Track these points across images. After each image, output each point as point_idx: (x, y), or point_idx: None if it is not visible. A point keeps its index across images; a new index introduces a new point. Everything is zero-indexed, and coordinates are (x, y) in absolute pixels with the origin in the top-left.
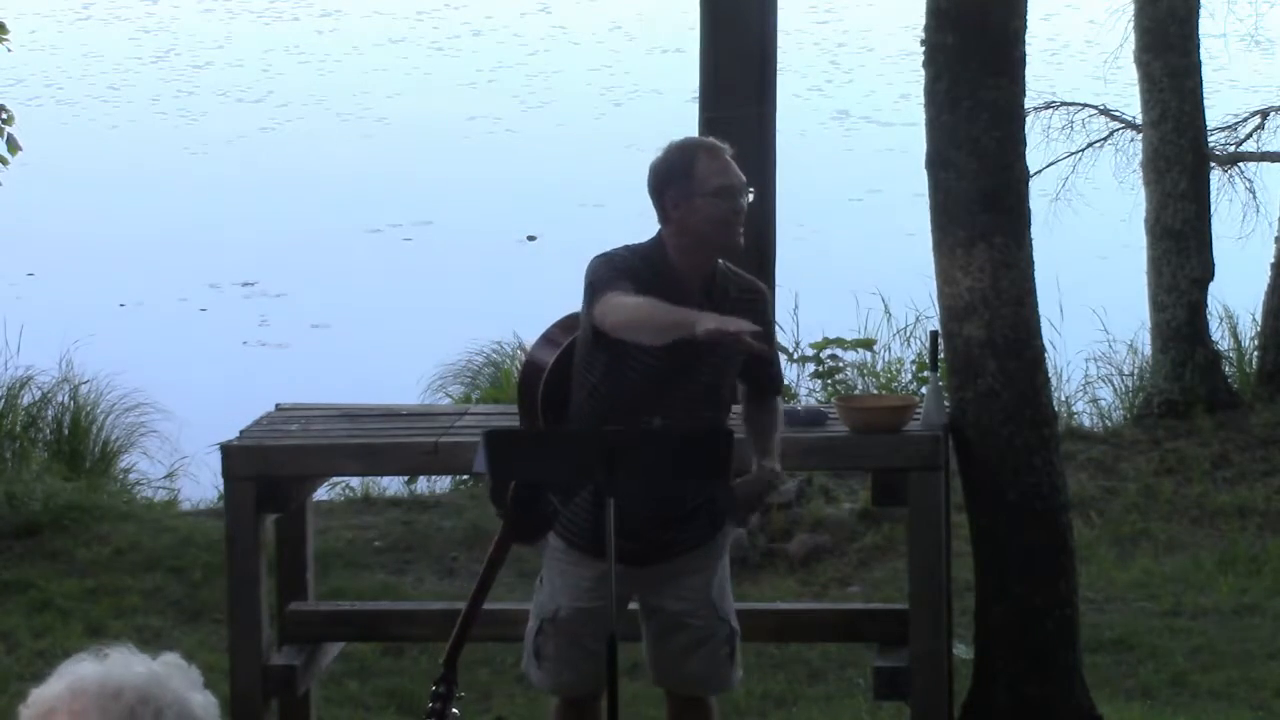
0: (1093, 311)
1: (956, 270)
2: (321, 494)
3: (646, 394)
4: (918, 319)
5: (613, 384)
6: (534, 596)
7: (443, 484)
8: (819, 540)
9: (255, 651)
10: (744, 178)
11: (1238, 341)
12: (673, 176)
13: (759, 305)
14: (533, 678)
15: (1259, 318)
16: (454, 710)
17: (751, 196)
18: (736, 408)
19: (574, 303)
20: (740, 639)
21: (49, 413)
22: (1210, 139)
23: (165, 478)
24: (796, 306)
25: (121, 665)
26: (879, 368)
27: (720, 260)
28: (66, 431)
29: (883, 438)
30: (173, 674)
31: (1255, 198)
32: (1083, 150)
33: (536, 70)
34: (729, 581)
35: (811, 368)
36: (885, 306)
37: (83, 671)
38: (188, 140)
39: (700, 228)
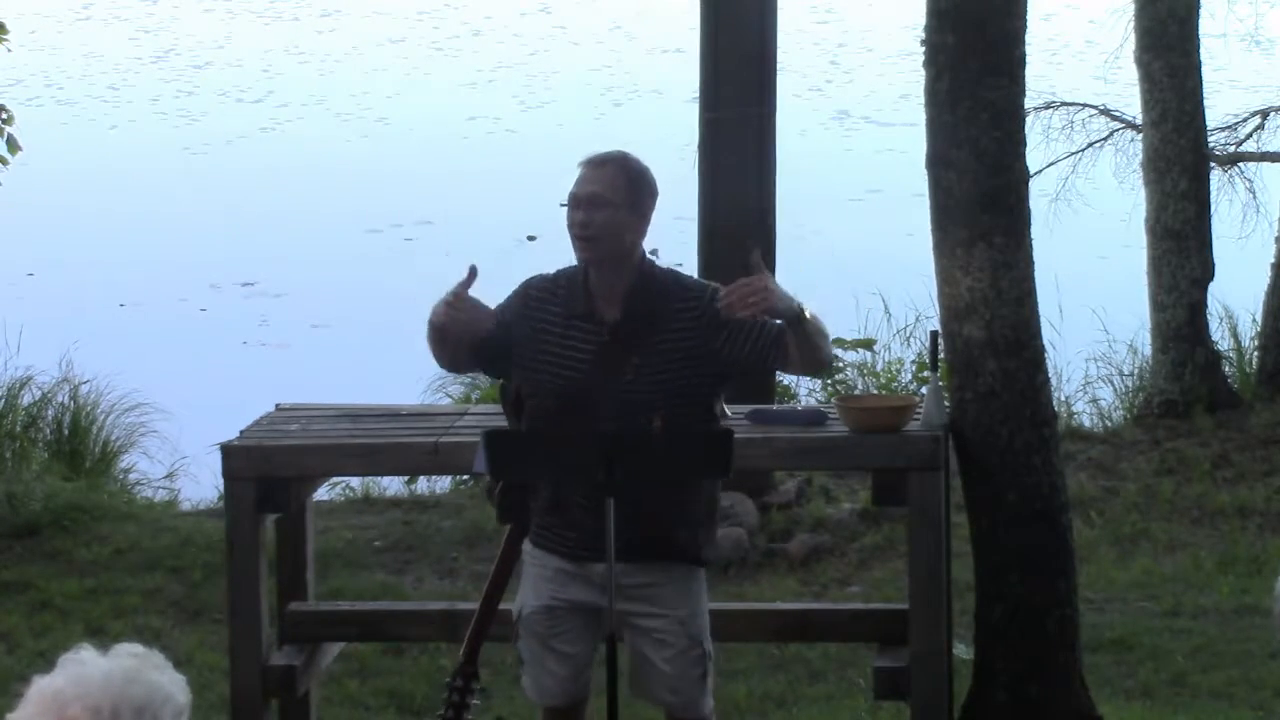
0: (1093, 311)
1: (956, 270)
2: (321, 494)
3: (566, 405)
4: (918, 319)
5: (535, 402)
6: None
7: (443, 484)
8: (819, 540)
9: (255, 651)
10: (596, 191)
11: (1238, 341)
12: None
13: (699, 309)
14: (524, 686)
15: (1259, 318)
16: (475, 701)
17: (639, 205)
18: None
19: None
20: (710, 661)
21: (49, 413)
22: (1210, 139)
23: (165, 478)
24: None
25: (93, 668)
26: (879, 368)
27: (659, 273)
28: (66, 431)
29: (883, 438)
30: (142, 664)
31: (1255, 198)
32: (1083, 150)
33: (536, 70)
34: (704, 606)
35: None
36: (885, 306)
37: (56, 686)
38: (188, 140)
39: None
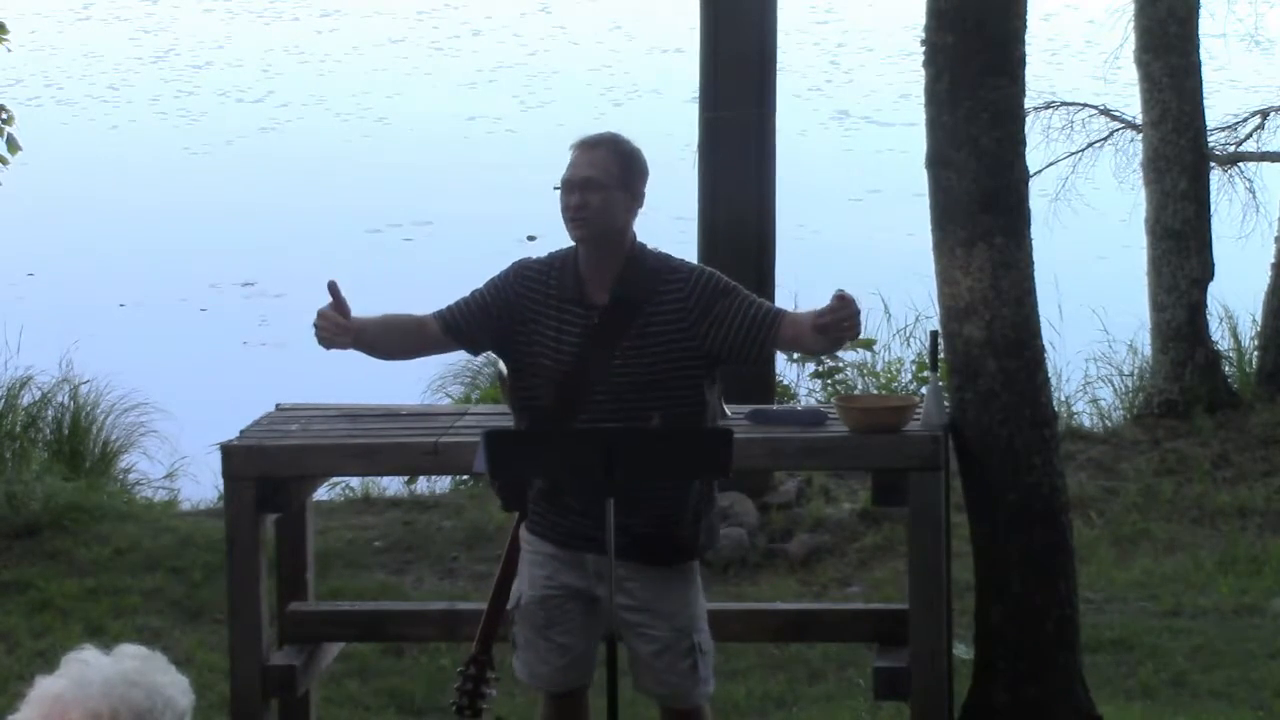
0: (1093, 311)
1: (956, 270)
2: (321, 494)
3: (560, 388)
4: (918, 319)
5: (524, 382)
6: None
7: (443, 484)
8: (819, 540)
9: (255, 651)
10: (590, 176)
11: (1238, 341)
12: None
13: (687, 293)
14: (515, 669)
15: (1259, 318)
16: (491, 691)
17: (630, 190)
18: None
19: None
20: (703, 653)
21: (49, 413)
22: (1210, 139)
23: (165, 478)
24: (796, 306)
25: (94, 670)
26: (879, 368)
27: (649, 255)
28: (66, 431)
29: (883, 438)
30: (144, 666)
31: (1255, 198)
32: (1083, 150)
33: (536, 70)
34: (695, 595)
35: (811, 367)
36: (885, 306)
37: (56, 690)
38: (188, 140)
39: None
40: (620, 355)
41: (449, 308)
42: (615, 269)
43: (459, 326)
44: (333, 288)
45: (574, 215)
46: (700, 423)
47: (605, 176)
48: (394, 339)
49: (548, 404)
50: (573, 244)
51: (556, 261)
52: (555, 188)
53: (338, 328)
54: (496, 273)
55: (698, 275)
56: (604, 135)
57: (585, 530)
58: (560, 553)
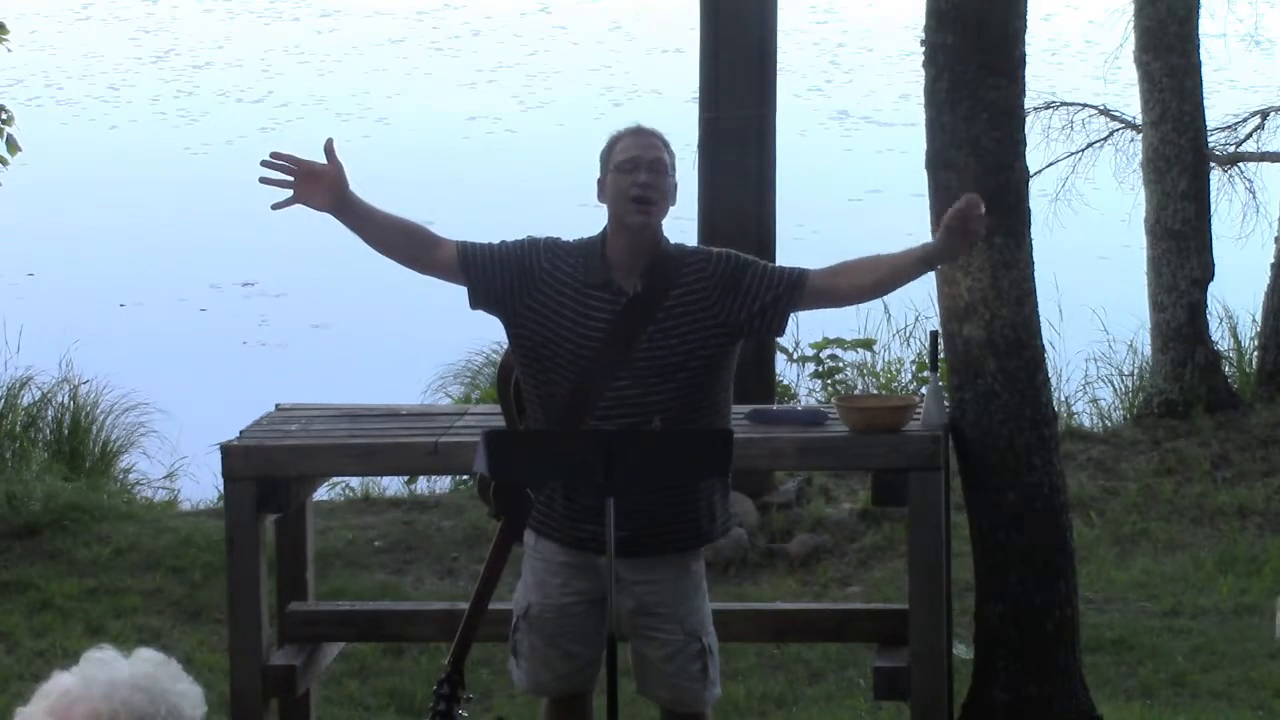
0: (1093, 311)
1: (956, 270)
2: (321, 494)
3: (582, 373)
4: (918, 319)
5: (541, 365)
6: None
7: (443, 484)
8: (819, 540)
9: (255, 651)
10: (660, 157)
11: (1238, 341)
12: (602, 159)
13: (709, 273)
14: (513, 676)
15: (1259, 318)
16: (462, 713)
17: (675, 181)
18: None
19: None
20: (712, 655)
21: (49, 413)
22: (1210, 139)
23: (165, 478)
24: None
25: (104, 670)
26: (879, 368)
27: (670, 245)
28: (66, 431)
29: (883, 438)
30: (155, 672)
31: (1255, 198)
32: (1083, 150)
33: (536, 70)
34: (703, 597)
35: (811, 368)
36: (885, 306)
37: (65, 685)
38: (188, 140)
39: (611, 205)
40: (647, 339)
41: (471, 242)
42: (646, 257)
43: (476, 263)
44: (327, 147)
45: (643, 194)
46: (717, 400)
47: (668, 160)
48: (398, 235)
49: (565, 391)
50: (598, 233)
51: (582, 247)
52: (611, 173)
53: (310, 174)
54: (514, 238)
55: (718, 255)
56: (647, 126)
57: (599, 533)
58: (574, 558)
